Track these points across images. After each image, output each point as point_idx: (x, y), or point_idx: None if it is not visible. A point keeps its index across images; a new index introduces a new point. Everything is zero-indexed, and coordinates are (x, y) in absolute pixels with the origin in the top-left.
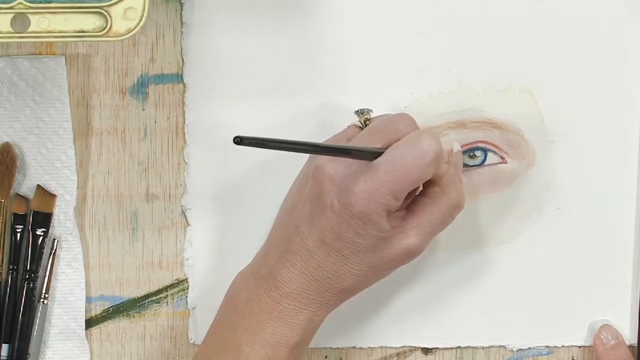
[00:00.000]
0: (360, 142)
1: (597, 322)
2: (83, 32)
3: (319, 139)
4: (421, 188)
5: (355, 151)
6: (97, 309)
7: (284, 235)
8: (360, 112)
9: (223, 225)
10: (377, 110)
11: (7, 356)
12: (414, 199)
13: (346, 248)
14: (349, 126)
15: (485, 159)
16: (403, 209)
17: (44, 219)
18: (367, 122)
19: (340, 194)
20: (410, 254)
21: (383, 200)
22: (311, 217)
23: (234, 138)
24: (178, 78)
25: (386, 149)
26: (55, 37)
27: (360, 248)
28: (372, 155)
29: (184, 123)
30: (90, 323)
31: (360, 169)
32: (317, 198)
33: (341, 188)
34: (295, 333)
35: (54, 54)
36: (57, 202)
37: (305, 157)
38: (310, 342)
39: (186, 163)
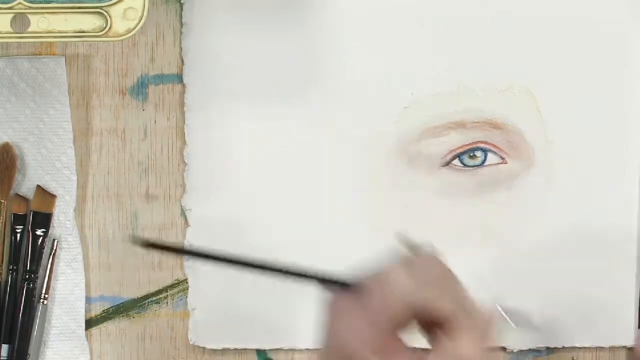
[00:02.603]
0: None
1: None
2: (83, 32)
3: (319, 139)
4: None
5: (322, 278)
6: (97, 309)
7: None
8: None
9: (223, 225)
10: (377, 110)
11: (7, 356)
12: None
13: None
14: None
15: (485, 159)
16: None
17: (44, 219)
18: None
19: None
20: None
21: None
22: None
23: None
24: (178, 78)
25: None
26: (55, 37)
27: None
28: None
29: (184, 123)
30: (90, 323)
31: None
32: None
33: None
34: None
35: (54, 54)
36: (57, 202)
37: (308, 156)
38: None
39: (186, 163)
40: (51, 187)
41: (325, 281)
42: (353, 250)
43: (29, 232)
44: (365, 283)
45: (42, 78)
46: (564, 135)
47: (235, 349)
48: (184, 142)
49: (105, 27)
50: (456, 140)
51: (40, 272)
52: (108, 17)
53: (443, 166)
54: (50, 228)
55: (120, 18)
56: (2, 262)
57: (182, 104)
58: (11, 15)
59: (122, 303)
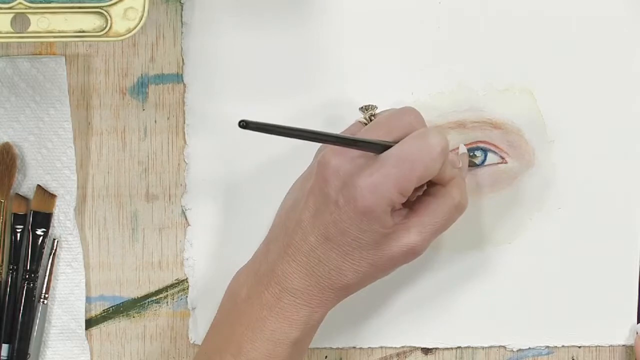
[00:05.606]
0: (365, 136)
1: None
2: (83, 32)
3: None
4: (425, 187)
5: (363, 142)
6: (97, 309)
7: (285, 231)
8: (365, 109)
9: (223, 225)
10: (377, 110)
11: (7, 356)
12: (418, 198)
13: (348, 244)
14: (354, 123)
15: (485, 159)
16: (406, 208)
17: (44, 219)
18: (372, 118)
19: (344, 189)
20: (411, 253)
21: (388, 195)
22: (314, 211)
23: (240, 122)
24: (178, 78)
25: (394, 142)
26: (55, 37)
27: (363, 244)
28: (379, 148)
29: (184, 123)
30: (90, 323)
31: (366, 163)
32: (320, 192)
33: (346, 182)
34: (295, 329)
35: (54, 54)
36: (57, 202)
37: (308, 154)
38: (311, 340)
39: (186, 163)
40: (51, 186)
41: (366, 144)
42: None
43: (29, 232)
44: (404, 141)
45: (43, 78)
46: (564, 135)
47: None
48: (184, 142)
49: (106, 27)
50: (456, 140)
51: (40, 272)
52: (108, 17)
53: None
54: (51, 228)
55: (120, 18)
56: (2, 262)
57: (182, 104)
58: (11, 15)
59: (122, 303)
